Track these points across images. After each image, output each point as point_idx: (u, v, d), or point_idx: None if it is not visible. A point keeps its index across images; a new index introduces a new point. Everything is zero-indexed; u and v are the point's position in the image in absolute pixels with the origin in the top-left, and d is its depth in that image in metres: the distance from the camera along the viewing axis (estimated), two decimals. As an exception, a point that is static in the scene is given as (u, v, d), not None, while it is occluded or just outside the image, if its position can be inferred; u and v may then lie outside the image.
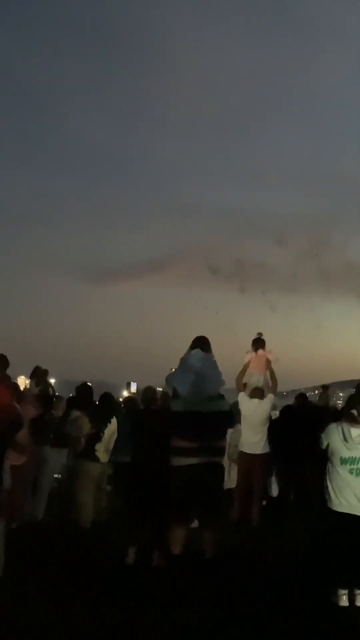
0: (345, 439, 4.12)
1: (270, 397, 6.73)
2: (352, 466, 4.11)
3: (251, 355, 6.94)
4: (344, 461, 4.13)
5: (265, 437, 6.65)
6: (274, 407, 7.25)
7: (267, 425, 6.69)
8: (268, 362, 6.95)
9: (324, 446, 4.28)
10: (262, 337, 7.12)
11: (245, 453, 6.56)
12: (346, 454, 4.13)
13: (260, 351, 6.95)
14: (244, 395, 6.65)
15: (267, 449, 6.68)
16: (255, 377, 6.70)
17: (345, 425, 4.17)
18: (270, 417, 6.95)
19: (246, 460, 6.57)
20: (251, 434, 6.52)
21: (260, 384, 6.72)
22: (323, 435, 4.29)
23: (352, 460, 4.11)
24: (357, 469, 4.10)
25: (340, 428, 4.18)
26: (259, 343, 7.05)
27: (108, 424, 6.03)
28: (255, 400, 6.60)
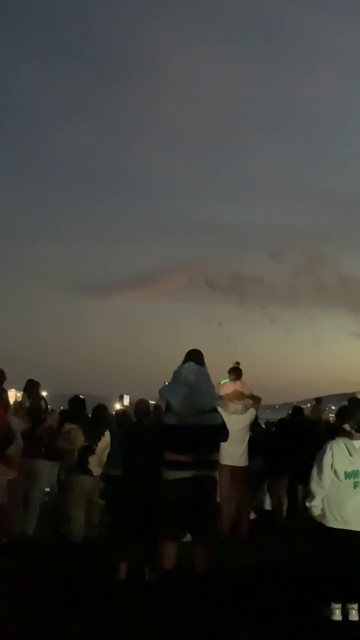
0: (350, 453, 4.11)
1: (250, 411, 6.75)
2: (356, 479, 4.09)
3: (231, 385, 6.92)
4: (348, 475, 4.10)
5: (246, 450, 6.64)
6: (257, 419, 7.26)
7: (247, 438, 6.69)
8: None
9: (330, 463, 4.13)
10: (239, 367, 7.13)
11: (228, 466, 6.48)
12: (350, 467, 4.11)
13: (237, 382, 6.96)
14: (221, 411, 6.58)
15: (247, 462, 6.68)
16: (233, 406, 6.68)
17: (345, 440, 4.16)
18: (257, 428, 6.95)
19: (229, 473, 6.52)
20: (232, 447, 6.43)
21: (238, 413, 6.69)
22: (327, 455, 4.16)
23: (356, 474, 4.09)
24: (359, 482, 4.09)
25: (342, 442, 4.17)
26: (237, 372, 7.04)
27: (101, 437, 5.99)
28: (234, 416, 6.57)
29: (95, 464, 5.87)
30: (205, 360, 5.01)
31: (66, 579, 4.58)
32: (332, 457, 4.15)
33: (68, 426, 6.33)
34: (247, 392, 6.98)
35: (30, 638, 3.52)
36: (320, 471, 4.18)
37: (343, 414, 4.36)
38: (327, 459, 4.16)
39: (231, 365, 7.29)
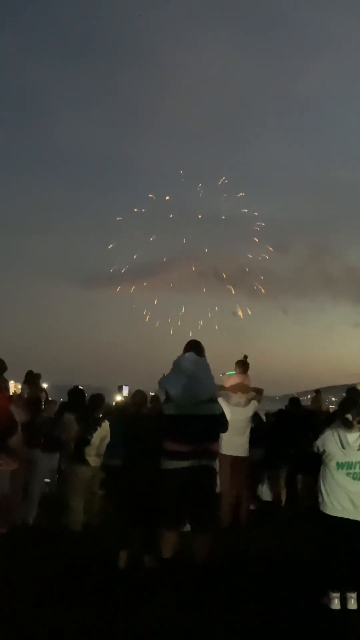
0: (342, 445, 4.13)
1: (253, 403, 6.75)
2: (349, 470, 4.12)
3: (236, 378, 6.91)
4: (340, 466, 4.14)
5: (247, 441, 6.66)
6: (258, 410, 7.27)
7: (249, 429, 6.71)
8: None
9: (319, 451, 4.26)
10: (247, 361, 7.12)
11: (229, 455, 6.45)
12: (342, 459, 4.14)
13: (243, 375, 6.95)
14: (224, 402, 6.59)
15: (248, 453, 6.70)
16: (236, 399, 6.68)
17: (341, 431, 4.18)
18: (257, 420, 6.94)
19: (230, 463, 6.53)
20: (235, 437, 6.39)
21: (242, 406, 6.69)
22: (319, 441, 4.26)
23: (349, 465, 4.13)
24: (355, 473, 4.12)
25: (336, 434, 4.18)
26: (244, 366, 7.05)
27: (97, 428, 5.97)
28: (236, 407, 6.57)
29: (92, 454, 5.87)
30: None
31: (66, 568, 4.60)
32: (323, 445, 4.23)
33: (67, 416, 6.34)
34: (250, 386, 6.99)
35: (31, 626, 3.53)
36: (317, 448, 4.29)
37: (346, 404, 4.38)
38: (319, 442, 4.25)
39: (236, 358, 7.27)
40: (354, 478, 4.12)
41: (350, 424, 4.16)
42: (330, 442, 4.19)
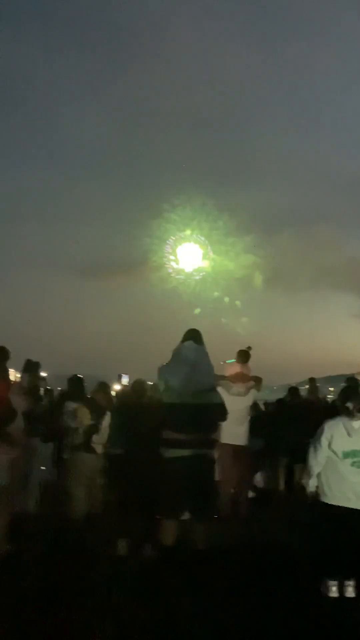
0: (349, 434, 4.12)
1: (252, 392, 6.78)
2: (354, 459, 4.12)
3: (236, 367, 6.92)
4: (346, 455, 4.13)
5: (247, 430, 6.68)
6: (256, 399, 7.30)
7: (248, 419, 6.76)
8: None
9: (327, 443, 4.17)
10: (249, 352, 7.13)
11: (228, 444, 6.48)
12: (348, 447, 4.13)
13: (243, 365, 6.96)
14: (224, 391, 6.59)
15: (247, 442, 6.72)
16: (236, 389, 6.68)
17: (345, 420, 4.17)
18: (256, 409, 6.97)
19: (229, 452, 6.54)
20: (234, 426, 6.40)
21: (241, 395, 6.70)
22: (325, 434, 4.18)
23: (354, 453, 4.12)
24: (359, 461, 4.12)
25: (341, 423, 4.18)
26: (246, 356, 7.05)
27: (105, 415, 6.02)
28: (236, 397, 6.57)
29: (98, 442, 5.91)
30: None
31: (66, 556, 4.62)
32: (330, 436, 4.18)
33: (70, 405, 6.35)
34: (250, 376, 7.00)
35: (31, 614, 3.55)
36: (316, 449, 4.22)
37: (346, 393, 4.38)
38: (324, 438, 4.19)
39: (235, 349, 7.28)
40: (358, 467, 4.12)
41: (352, 413, 4.17)
42: (336, 431, 4.17)
